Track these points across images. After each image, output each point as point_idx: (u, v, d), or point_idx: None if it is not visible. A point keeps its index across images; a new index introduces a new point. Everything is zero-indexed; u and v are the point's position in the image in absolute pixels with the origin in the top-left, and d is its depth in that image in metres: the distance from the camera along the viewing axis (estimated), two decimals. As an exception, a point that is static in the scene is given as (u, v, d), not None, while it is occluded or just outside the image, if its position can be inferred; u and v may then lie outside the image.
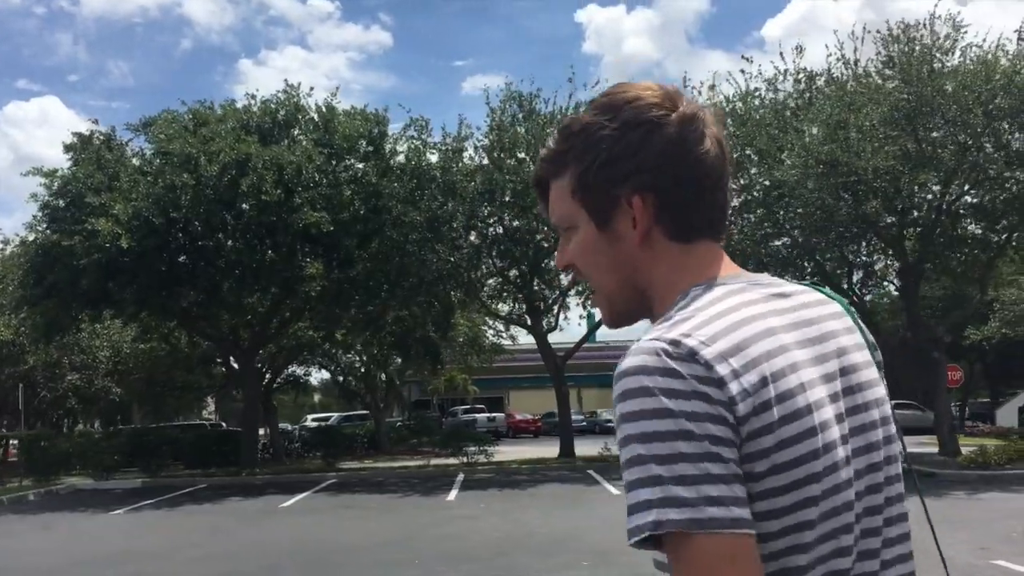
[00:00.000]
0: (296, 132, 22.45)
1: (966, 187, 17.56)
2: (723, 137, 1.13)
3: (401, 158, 22.41)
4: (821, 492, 0.97)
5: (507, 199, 21.02)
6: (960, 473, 16.92)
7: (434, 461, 23.46)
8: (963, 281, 20.90)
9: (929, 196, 17.29)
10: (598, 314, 1.38)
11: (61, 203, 20.52)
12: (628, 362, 0.97)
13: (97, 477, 22.05)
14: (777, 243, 19.48)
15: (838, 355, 1.06)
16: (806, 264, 19.72)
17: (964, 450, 19.30)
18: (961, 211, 18.25)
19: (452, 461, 23.35)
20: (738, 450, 0.94)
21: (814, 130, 17.65)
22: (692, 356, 0.95)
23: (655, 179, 1.07)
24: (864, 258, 20.84)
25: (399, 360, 32.92)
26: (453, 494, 17.12)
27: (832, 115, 17.50)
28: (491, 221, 22.56)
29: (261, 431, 44.14)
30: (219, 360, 34.92)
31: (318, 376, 44.58)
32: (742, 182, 20.50)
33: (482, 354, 38.97)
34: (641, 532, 0.91)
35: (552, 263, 22.73)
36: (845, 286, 20.88)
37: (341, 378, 41.98)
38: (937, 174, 16.33)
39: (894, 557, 1.06)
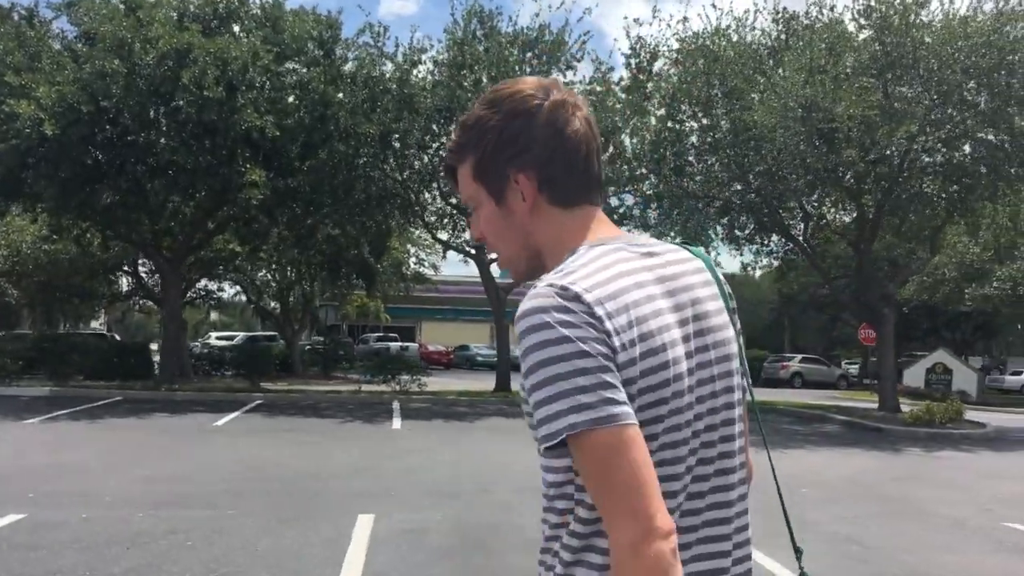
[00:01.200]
0: (237, 29, 20.81)
1: (933, 143, 17.30)
2: (591, 117, 1.40)
3: (351, 66, 21.05)
4: (667, 412, 1.24)
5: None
6: (909, 430, 17.03)
7: (365, 387, 22.56)
8: (914, 240, 20.91)
9: (897, 150, 16.96)
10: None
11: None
12: (528, 304, 1.22)
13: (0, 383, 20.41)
14: (739, 187, 19.00)
15: (692, 304, 1.32)
16: (764, 210, 19.36)
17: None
18: (925, 168, 18.02)
19: (384, 388, 22.51)
20: (619, 369, 1.19)
21: (787, 73, 17.07)
22: (577, 298, 1.20)
23: (535, 158, 1.34)
24: (818, 209, 20.57)
25: (315, 282, 31.57)
26: (397, 423, 16.35)
27: (812, 59, 16.99)
28: (446, 141, 21.44)
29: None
30: (126, 269, 33.12)
31: (229, 293, 42.72)
32: (705, 122, 19.94)
33: (404, 281, 38.03)
34: (558, 436, 1.16)
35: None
36: (800, 236, 20.65)
37: (255, 296, 40.43)
38: (908, 128, 15.99)
39: (727, 468, 1.34)
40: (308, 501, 8.60)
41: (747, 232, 21.15)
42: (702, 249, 1.46)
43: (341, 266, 26.79)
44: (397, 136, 20.27)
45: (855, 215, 20.44)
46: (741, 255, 22.86)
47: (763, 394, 29.24)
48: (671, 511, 1.22)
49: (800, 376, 44.99)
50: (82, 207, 19.29)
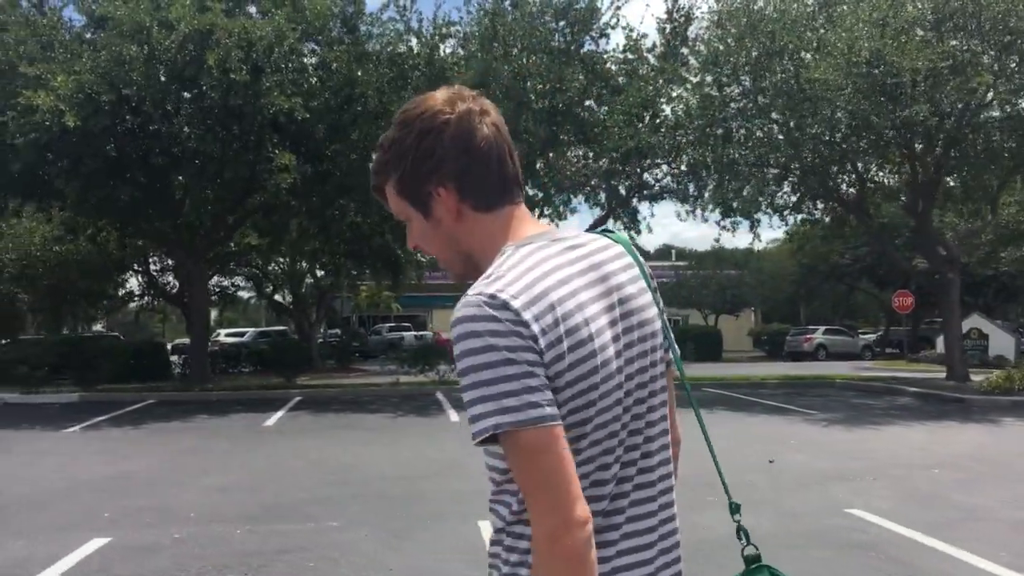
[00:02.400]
0: (254, 9, 19.84)
1: (1005, 96, 16.37)
2: (500, 120, 1.46)
3: (375, 43, 20.07)
4: (598, 396, 1.33)
5: (499, 94, 18.97)
6: (990, 399, 16.20)
7: (403, 379, 21.69)
8: (969, 201, 19.98)
9: (965, 105, 16.04)
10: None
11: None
12: (459, 313, 1.28)
13: (25, 390, 19.48)
14: (795, 151, 18.04)
15: (617, 289, 1.41)
16: (821, 175, 18.40)
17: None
18: (987, 123, 17.05)
19: (421, 379, 21.65)
20: (545, 371, 1.27)
21: (849, 26, 16.13)
22: (505, 306, 1.27)
23: (450, 171, 1.41)
24: (872, 172, 19.61)
25: (322, 273, 30.45)
26: (453, 415, 15.48)
27: (873, 10, 16.07)
28: None
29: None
30: (136, 268, 32.25)
31: (244, 289, 41.87)
32: (748, 85, 18.99)
33: (418, 269, 37.05)
34: (484, 434, 1.25)
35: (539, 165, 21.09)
36: (852, 200, 19.71)
37: (269, 290, 39.56)
38: (983, 80, 15.08)
39: (658, 445, 1.46)
40: (411, 507, 7.74)
41: (796, 199, 20.19)
42: (623, 235, 1.57)
43: (366, 255, 25.85)
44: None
45: (908, 177, 19.52)
46: (785, 224, 21.91)
47: (794, 368, 28.42)
48: (604, 490, 1.36)
49: (824, 348, 44.13)
50: (104, 203, 18.30)
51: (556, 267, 1.36)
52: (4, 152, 16.90)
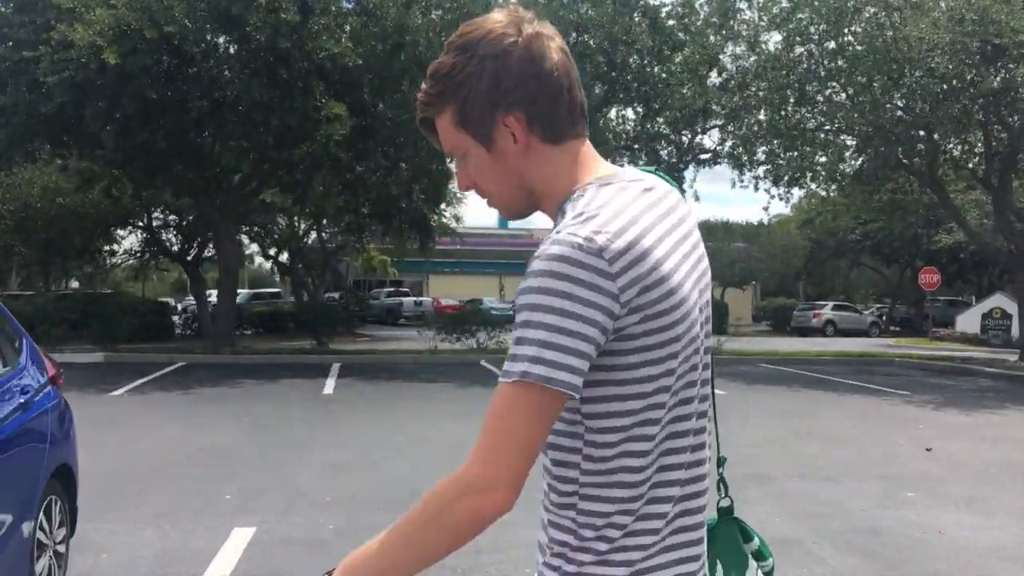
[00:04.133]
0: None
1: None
2: (566, 46, 1.38)
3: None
4: (681, 348, 1.29)
5: (571, 38, 17.72)
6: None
7: (440, 345, 20.63)
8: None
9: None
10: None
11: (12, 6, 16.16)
12: (551, 248, 1.21)
13: (46, 349, 18.23)
14: (896, 113, 17.03)
15: (690, 236, 1.38)
16: (909, 143, 17.40)
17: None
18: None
19: (458, 347, 20.59)
20: (610, 333, 1.22)
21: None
22: (600, 252, 1.20)
23: (520, 98, 1.31)
24: (954, 144, 18.64)
25: (331, 232, 28.92)
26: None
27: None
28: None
29: (182, 304, 40.47)
30: (140, 224, 30.98)
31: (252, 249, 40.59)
32: (831, 45, 17.92)
33: (448, 233, 35.72)
34: (511, 376, 1.19)
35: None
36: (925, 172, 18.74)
37: (274, 251, 38.24)
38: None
39: (706, 402, 1.40)
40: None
41: (863, 168, 19.18)
42: (668, 176, 1.51)
43: (393, 216, 24.65)
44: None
45: (983, 148, 18.62)
46: (842, 192, 20.93)
47: (802, 344, 27.60)
48: (684, 425, 1.33)
49: (833, 324, 43.55)
50: (139, 149, 16.98)
51: (642, 211, 1.30)
52: (33, 92, 15.59)
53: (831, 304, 46.52)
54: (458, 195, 29.27)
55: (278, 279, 48.24)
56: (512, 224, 70.78)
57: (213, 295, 47.76)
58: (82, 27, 14.64)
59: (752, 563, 1.59)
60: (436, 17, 18.73)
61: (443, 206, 26.62)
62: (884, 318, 48.87)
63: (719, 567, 1.55)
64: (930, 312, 41.79)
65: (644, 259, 1.24)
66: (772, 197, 24.29)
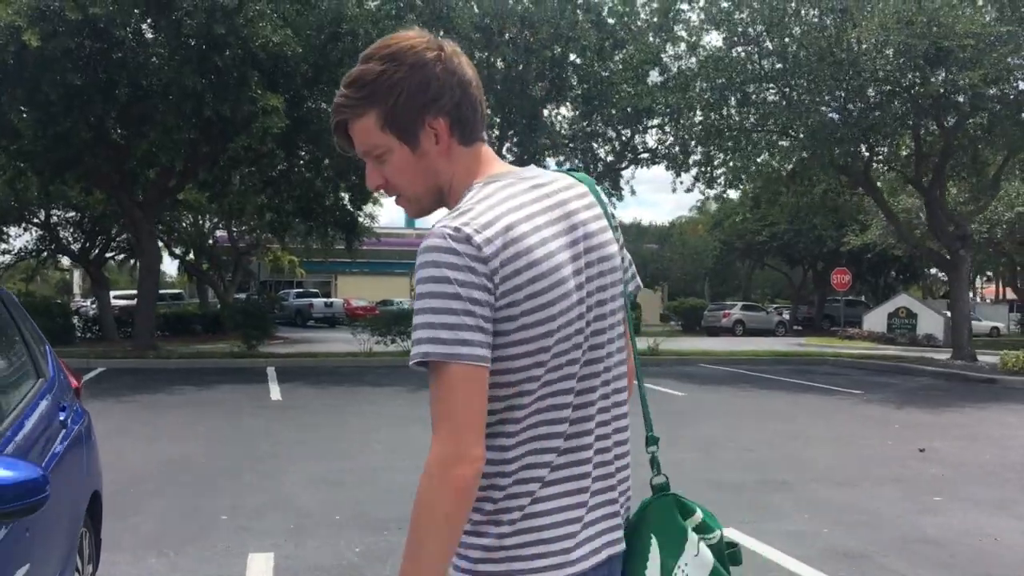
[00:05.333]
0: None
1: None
2: (472, 64, 1.55)
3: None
4: (557, 327, 1.41)
5: (507, 37, 17.35)
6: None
7: (376, 348, 19.88)
8: (973, 177, 19.57)
9: (1011, 75, 15.46)
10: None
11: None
12: (425, 242, 1.37)
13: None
14: (831, 114, 17.18)
15: (581, 226, 1.49)
16: (835, 147, 17.56)
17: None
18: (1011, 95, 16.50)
19: (393, 349, 19.90)
20: (492, 308, 1.36)
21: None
22: (468, 240, 1.35)
23: (445, 104, 1.47)
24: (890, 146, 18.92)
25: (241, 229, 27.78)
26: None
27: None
28: (491, 60, 18.69)
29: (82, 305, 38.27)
30: (36, 221, 29.33)
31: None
32: (769, 45, 17.98)
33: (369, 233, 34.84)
34: (414, 359, 1.35)
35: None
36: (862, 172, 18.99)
37: (183, 250, 36.61)
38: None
39: (614, 374, 1.54)
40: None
41: (793, 169, 19.35)
42: (585, 175, 1.63)
43: (317, 215, 23.77)
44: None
45: (912, 151, 19.00)
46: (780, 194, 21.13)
47: (699, 343, 27.87)
48: (563, 414, 1.45)
49: (742, 324, 44.35)
50: (59, 140, 15.78)
51: (521, 204, 1.43)
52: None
53: (740, 304, 47.40)
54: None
55: (177, 280, 46.21)
56: (420, 224, 70.14)
57: (111, 296, 45.59)
58: (0, 6, 13.51)
59: (692, 536, 1.54)
60: (373, 7, 18.08)
61: (369, 205, 25.74)
62: (788, 318, 50.09)
63: (654, 543, 1.54)
64: (840, 312, 43.00)
65: (512, 245, 1.37)
66: (707, 198, 24.39)
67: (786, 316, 49.33)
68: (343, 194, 23.53)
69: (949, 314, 36.87)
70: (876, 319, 36.84)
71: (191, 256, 37.31)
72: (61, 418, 3.29)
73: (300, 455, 8.24)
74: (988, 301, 61.26)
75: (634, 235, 49.31)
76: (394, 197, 1.55)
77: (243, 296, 41.93)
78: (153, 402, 12.12)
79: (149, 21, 15.67)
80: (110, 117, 16.19)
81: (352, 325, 47.15)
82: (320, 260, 47.98)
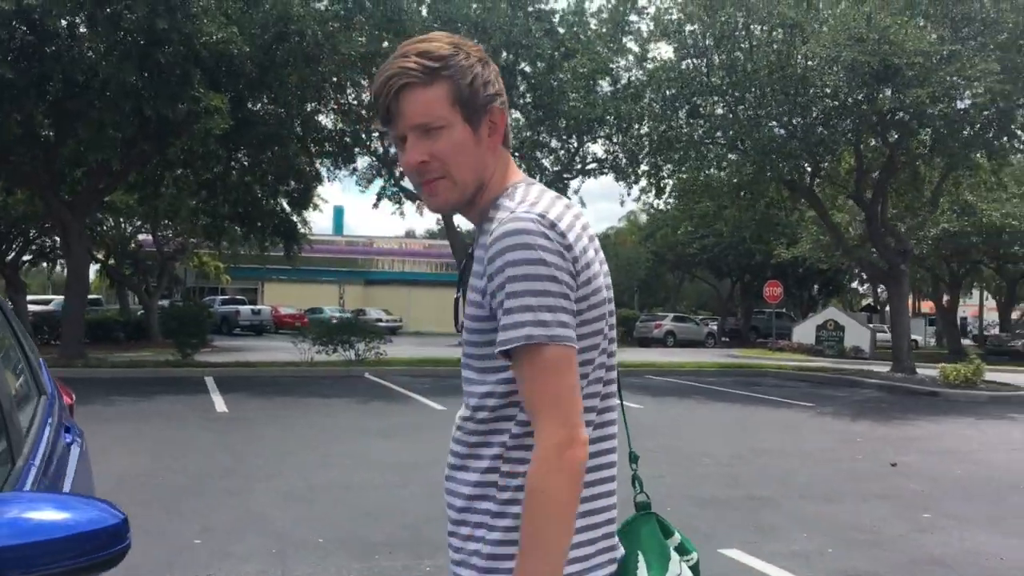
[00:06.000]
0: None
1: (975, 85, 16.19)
2: None
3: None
4: (603, 328, 1.47)
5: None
6: (965, 393, 16.07)
7: (316, 357, 19.30)
8: (912, 192, 19.94)
9: (956, 92, 15.74)
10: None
11: None
12: (512, 225, 1.37)
13: None
14: (778, 129, 17.30)
15: (595, 237, 1.52)
16: (781, 161, 17.70)
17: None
18: (957, 113, 16.79)
19: (335, 359, 19.35)
20: (575, 293, 1.40)
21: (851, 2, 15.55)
22: (553, 226, 1.38)
23: (501, 101, 1.52)
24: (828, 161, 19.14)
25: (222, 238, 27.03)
26: (429, 402, 13.63)
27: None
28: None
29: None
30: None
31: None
32: (719, 58, 18.05)
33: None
34: (514, 342, 1.34)
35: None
36: (808, 185, 19.17)
37: (105, 254, 35.23)
38: (989, 68, 14.78)
39: (615, 383, 1.56)
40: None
41: (739, 181, 19.45)
42: None
43: (255, 220, 23.07)
44: (380, 59, 17.15)
45: (853, 167, 19.28)
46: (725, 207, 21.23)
47: (642, 355, 27.99)
48: (601, 412, 1.50)
49: (673, 335, 44.79)
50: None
51: (568, 207, 1.47)
52: None
53: (671, 316, 47.83)
54: (324, 199, 27.91)
55: (95, 284, 44.51)
56: (349, 231, 69.18)
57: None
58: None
59: (675, 556, 1.57)
60: (321, 7, 17.61)
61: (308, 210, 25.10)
62: (716, 329, 50.74)
63: (641, 562, 1.54)
64: (766, 324, 43.68)
65: (578, 243, 1.41)
66: (653, 209, 24.38)
67: (714, 327, 49.97)
68: (281, 199, 22.96)
69: (872, 327, 38.01)
70: (805, 331, 37.49)
71: (112, 260, 36.00)
72: (67, 440, 2.90)
73: (261, 470, 7.81)
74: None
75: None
76: (425, 180, 1.49)
77: (166, 302, 40.76)
78: (91, 414, 11.41)
79: (86, 13, 14.90)
80: (40, 113, 15.38)
81: (280, 333, 46.21)
82: (247, 266, 46.88)
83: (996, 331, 48.78)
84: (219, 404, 12.65)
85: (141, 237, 36.81)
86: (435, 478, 6.22)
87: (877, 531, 6.16)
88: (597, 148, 20.75)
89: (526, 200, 1.44)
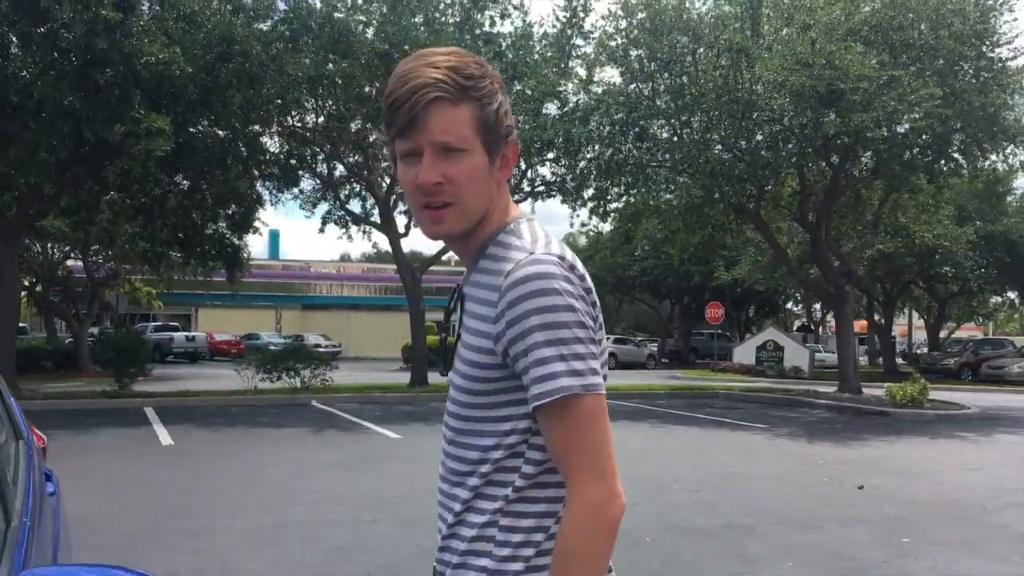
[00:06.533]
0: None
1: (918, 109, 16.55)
2: None
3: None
4: (605, 372, 1.38)
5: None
6: (914, 412, 16.29)
7: (260, 385, 18.77)
8: (852, 214, 20.28)
9: (896, 117, 16.04)
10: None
11: None
12: (534, 268, 1.30)
13: None
14: (724, 153, 17.44)
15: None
16: (728, 185, 17.82)
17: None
18: (896, 137, 17.12)
19: (280, 386, 18.84)
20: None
21: (798, 29, 15.78)
22: (573, 268, 1.34)
23: (514, 135, 1.45)
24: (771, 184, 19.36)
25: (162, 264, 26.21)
26: (384, 431, 13.30)
27: (822, 14, 15.76)
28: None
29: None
30: None
31: None
32: (664, 83, 18.18)
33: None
34: (552, 395, 1.28)
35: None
36: (752, 207, 19.33)
37: (32, 280, 34.05)
38: (933, 92, 15.11)
39: None
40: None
41: (686, 205, 19.57)
42: None
43: (196, 244, 22.47)
44: (327, 81, 16.85)
45: (798, 188, 19.55)
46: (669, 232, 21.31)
47: (650, 378, 27.97)
48: None
49: (614, 356, 44.91)
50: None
51: (564, 244, 1.40)
52: None
53: (612, 338, 47.99)
54: (264, 223, 27.36)
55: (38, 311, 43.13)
56: (285, 255, 68.03)
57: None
58: None
59: None
60: (266, 28, 17.27)
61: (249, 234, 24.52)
62: (657, 350, 51.13)
63: None
64: (705, 345, 44.17)
65: (590, 284, 1.38)
66: (594, 231, 24.39)
67: (654, 349, 50.32)
68: (222, 223, 22.43)
69: (810, 347, 38.62)
70: (745, 352, 37.91)
71: (39, 287, 34.84)
72: (50, 491, 2.62)
73: (220, 508, 7.44)
74: (832, 334, 64.22)
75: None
76: (432, 203, 1.38)
77: (96, 330, 39.53)
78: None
79: (18, 31, 14.35)
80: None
81: (216, 360, 45.06)
82: (180, 292, 45.63)
83: (925, 350, 49.98)
84: (164, 436, 12.15)
85: (70, 263, 35.74)
86: (405, 513, 6.01)
87: (861, 558, 6.08)
88: (545, 171, 20.60)
89: (538, 240, 1.38)
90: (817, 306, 58.34)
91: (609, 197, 20.35)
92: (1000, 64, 16.79)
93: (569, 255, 1.35)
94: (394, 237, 20.67)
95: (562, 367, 1.27)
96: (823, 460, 10.90)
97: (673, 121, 17.94)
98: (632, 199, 18.87)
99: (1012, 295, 40.08)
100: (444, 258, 26.51)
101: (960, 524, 7.26)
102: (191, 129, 16.95)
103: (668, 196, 17.93)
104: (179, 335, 46.37)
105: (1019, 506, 8.02)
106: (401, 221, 21.27)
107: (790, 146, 16.75)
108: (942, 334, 51.97)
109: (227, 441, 12.01)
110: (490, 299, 1.35)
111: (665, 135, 18.54)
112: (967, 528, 7.11)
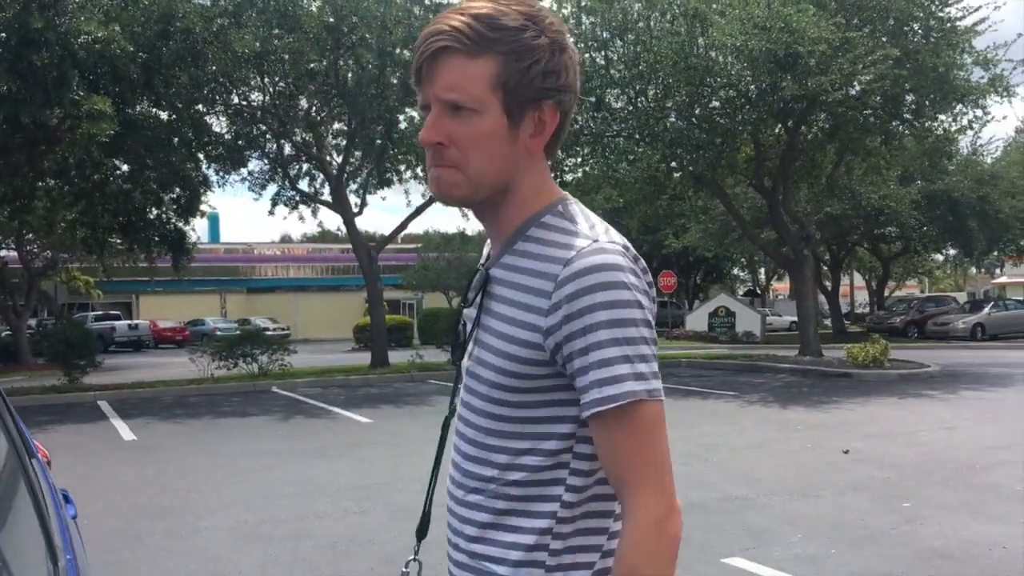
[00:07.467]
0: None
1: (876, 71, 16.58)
2: None
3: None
4: None
5: (362, 37, 16.33)
6: (877, 373, 16.43)
7: (217, 372, 18.27)
8: (807, 179, 20.35)
9: (856, 80, 16.04)
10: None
11: None
12: (600, 258, 1.18)
13: None
14: (681, 121, 17.32)
15: None
16: (688, 154, 17.71)
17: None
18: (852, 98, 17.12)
19: (236, 373, 18.36)
20: None
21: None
22: (636, 260, 1.23)
23: (564, 101, 1.26)
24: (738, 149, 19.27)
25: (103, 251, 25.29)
26: (356, 415, 13.01)
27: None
28: (340, 65, 17.53)
29: None
30: None
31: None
32: (619, 48, 17.96)
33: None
34: (616, 401, 1.16)
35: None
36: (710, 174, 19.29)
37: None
38: (890, 54, 15.13)
39: None
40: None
41: (644, 173, 19.43)
42: None
43: (140, 230, 21.73)
44: (273, 57, 16.31)
45: (752, 156, 19.56)
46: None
47: None
48: None
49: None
50: None
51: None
52: None
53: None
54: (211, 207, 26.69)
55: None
56: (227, 238, 66.66)
57: None
58: None
59: None
60: (207, 2, 16.66)
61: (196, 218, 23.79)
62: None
63: None
64: (663, 313, 44.34)
65: (652, 279, 1.27)
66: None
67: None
68: (166, 207, 21.73)
69: (761, 311, 39.04)
70: (697, 319, 38.16)
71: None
72: (72, 515, 2.35)
73: (200, 505, 7.14)
74: (781, 297, 65.07)
75: (459, 243, 48.76)
76: (436, 164, 1.26)
77: (34, 322, 38.29)
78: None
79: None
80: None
81: (160, 348, 44.11)
82: (122, 279, 44.45)
83: (867, 310, 50.89)
84: (124, 431, 11.73)
85: (5, 253, 34.57)
86: (394, 501, 5.74)
87: (868, 526, 6.01)
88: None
89: (595, 225, 1.26)
90: (762, 271, 59.13)
91: (565, 168, 20.13)
92: (950, 24, 16.89)
93: (630, 247, 1.25)
94: (348, 216, 20.23)
95: (627, 370, 1.17)
96: (800, 425, 10.90)
97: (628, 90, 17.75)
98: (589, 170, 18.68)
99: (953, 252, 40.95)
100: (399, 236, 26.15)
101: (954, 486, 7.25)
102: (132, 111, 16.32)
103: (627, 166, 17.73)
104: (121, 324, 45.55)
105: (1007, 464, 8.06)
106: (354, 200, 20.83)
107: (746, 111, 16.66)
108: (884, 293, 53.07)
109: (192, 433, 11.62)
110: (539, 287, 1.21)
111: (620, 104, 18.34)
112: (962, 490, 7.10)
